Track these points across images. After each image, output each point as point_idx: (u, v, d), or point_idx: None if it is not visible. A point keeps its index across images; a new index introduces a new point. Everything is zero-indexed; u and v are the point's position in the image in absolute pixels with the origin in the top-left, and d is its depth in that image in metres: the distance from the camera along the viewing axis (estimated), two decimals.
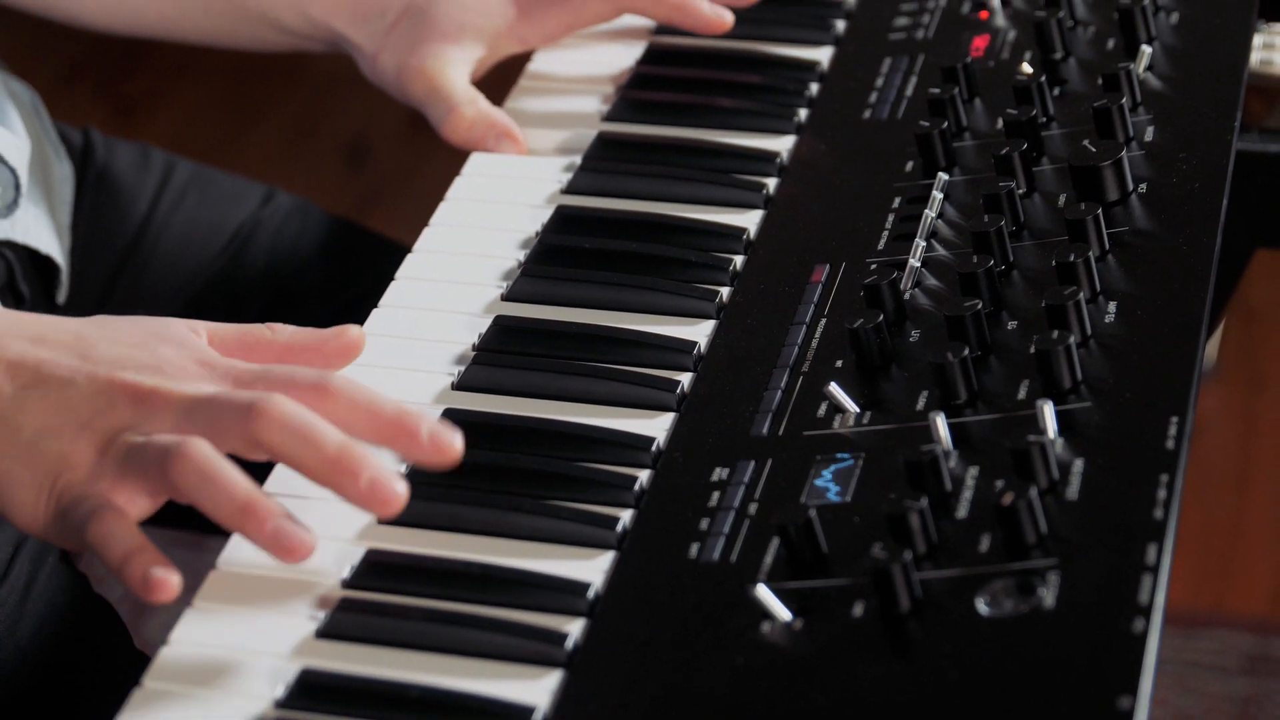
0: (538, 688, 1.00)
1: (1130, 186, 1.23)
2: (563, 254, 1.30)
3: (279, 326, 1.16)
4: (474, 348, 1.23)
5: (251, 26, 1.52)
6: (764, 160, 1.37)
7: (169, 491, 1.04)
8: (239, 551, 1.09)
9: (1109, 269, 1.17)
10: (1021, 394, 1.10)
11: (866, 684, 0.95)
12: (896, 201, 1.29)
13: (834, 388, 1.13)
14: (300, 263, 1.60)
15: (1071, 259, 1.14)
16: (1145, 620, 0.94)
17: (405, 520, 1.09)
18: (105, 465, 1.06)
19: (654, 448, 1.14)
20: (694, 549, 1.06)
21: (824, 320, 1.21)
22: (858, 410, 1.12)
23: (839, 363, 1.16)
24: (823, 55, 1.48)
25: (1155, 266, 1.17)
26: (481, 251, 1.32)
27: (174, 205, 1.60)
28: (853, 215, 1.29)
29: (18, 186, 1.41)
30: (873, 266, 1.23)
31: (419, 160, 3.04)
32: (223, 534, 1.10)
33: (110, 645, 1.27)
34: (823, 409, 1.13)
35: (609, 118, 1.44)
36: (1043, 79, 1.32)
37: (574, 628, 1.03)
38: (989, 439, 1.07)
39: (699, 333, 1.23)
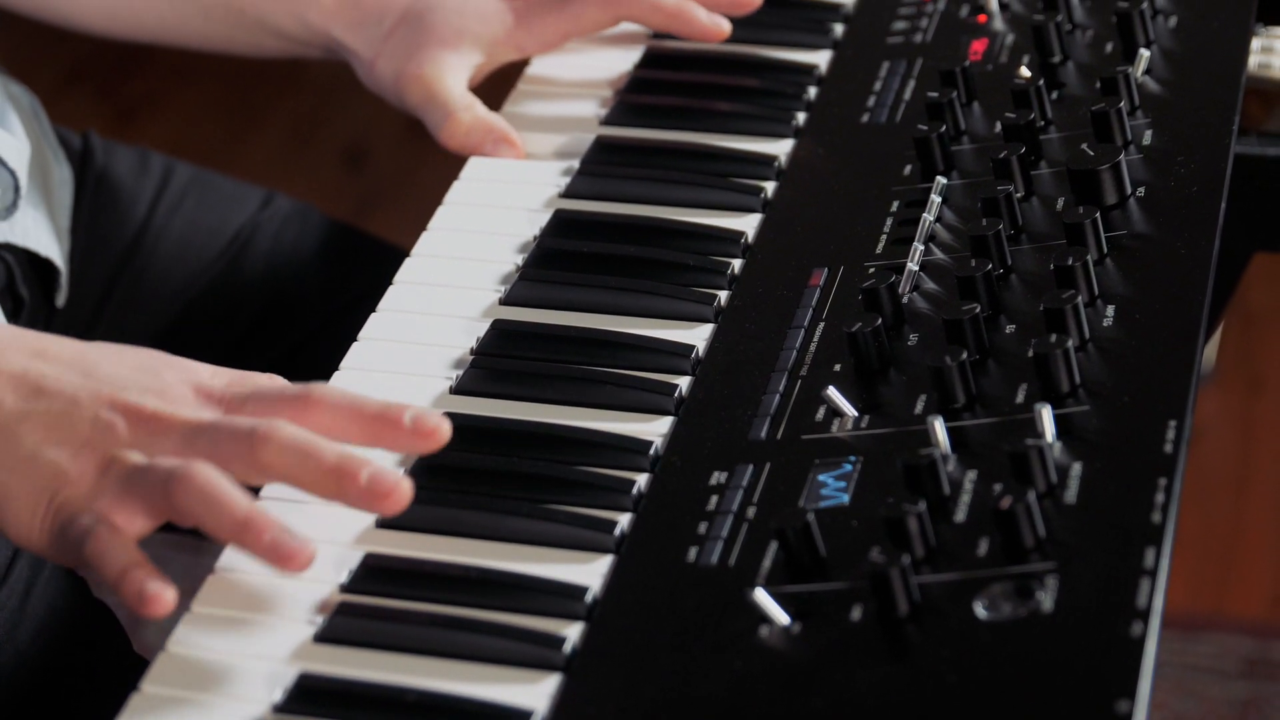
0: (536, 691, 1.00)
1: (1128, 190, 1.23)
2: (561, 258, 1.30)
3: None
4: (472, 352, 1.23)
5: (249, 32, 1.52)
6: (762, 164, 1.37)
7: (170, 513, 1.05)
8: (237, 556, 1.09)
9: (1107, 273, 1.17)
10: (1020, 398, 1.10)
11: (865, 688, 0.95)
12: (895, 205, 1.29)
13: (832, 391, 1.13)
14: (299, 266, 1.60)
15: (1070, 263, 1.14)
16: (1144, 624, 0.94)
17: (403, 524, 1.10)
18: (106, 484, 1.06)
19: (652, 451, 1.14)
20: (692, 553, 1.06)
21: (822, 324, 1.21)
22: (856, 414, 1.12)
23: (837, 366, 1.16)
24: (821, 59, 1.48)
25: (1154, 270, 1.17)
26: (480, 255, 1.32)
27: (173, 209, 1.60)
28: (851, 219, 1.29)
29: (17, 189, 1.41)
30: (871, 270, 1.23)
31: (418, 164, 3.04)
32: None
33: (109, 649, 1.27)
34: (821, 413, 1.13)
35: (607, 122, 1.44)
36: (1041, 83, 1.32)
37: (572, 632, 1.03)
38: (987, 443, 1.07)
39: (697, 336, 1.23)
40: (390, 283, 1.30)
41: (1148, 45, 1.36)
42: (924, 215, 1.25)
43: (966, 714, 0.93)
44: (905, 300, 1.19)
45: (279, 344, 1.56)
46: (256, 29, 1.52)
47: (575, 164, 1.39)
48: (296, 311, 1.57)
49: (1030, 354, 1.10)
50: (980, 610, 0.97)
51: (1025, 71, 1.37)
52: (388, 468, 1.04)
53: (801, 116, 1.42)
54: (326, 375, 1.21)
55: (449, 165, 1.41)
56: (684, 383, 1.19)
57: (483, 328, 1.24)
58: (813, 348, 1.19)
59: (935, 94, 1.34)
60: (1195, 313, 1.13)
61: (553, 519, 1.09)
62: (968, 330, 1.13)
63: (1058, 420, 1.07)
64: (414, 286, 1.29)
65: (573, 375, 1.19)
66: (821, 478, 1.08)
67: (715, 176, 1.36)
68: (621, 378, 1.19)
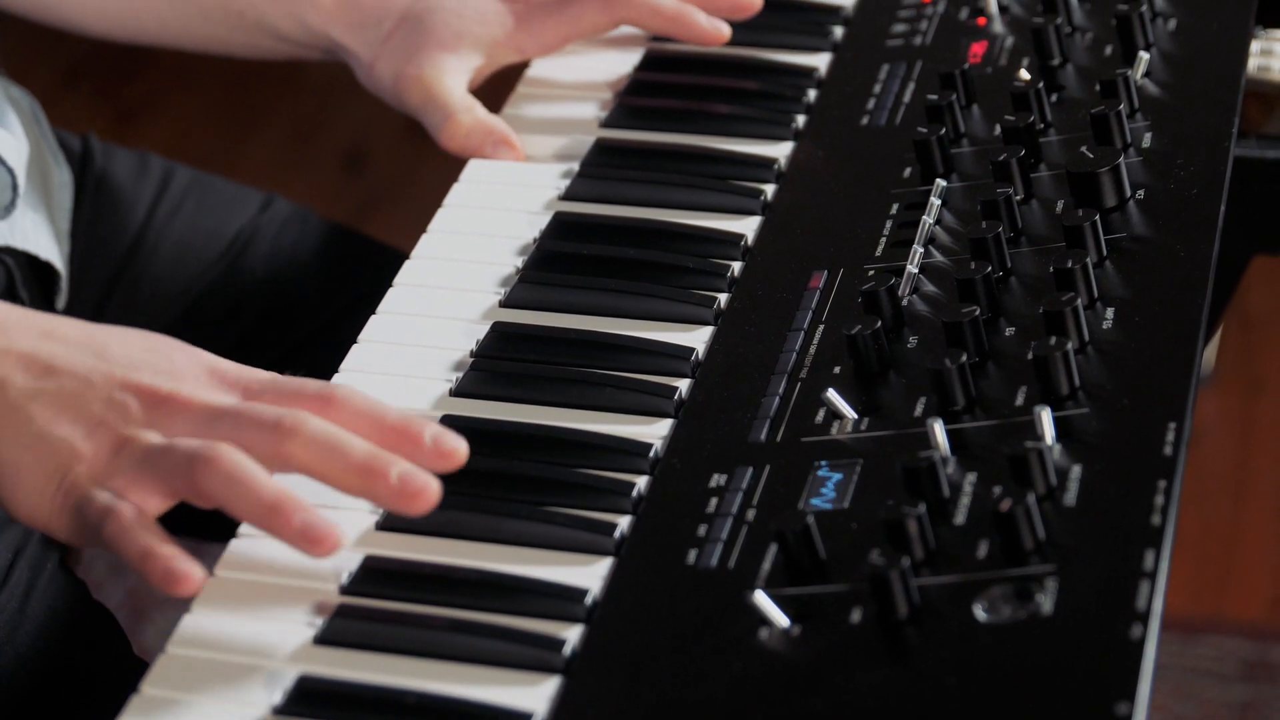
0: (536, 694, 1.00)
1: (1128, 193, 1.23)
2: (561, 260, 1.30)
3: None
4: (472, 354, 1.23)
5: (248, 34, 1.52)
6: (762, 166, 1.37)
7: (190, 494, 1.04)
8: (237, 558, 1.09)
9: (1107, 275, 1.17)
10: (1019, 400, 1.10)
11: (864, 690, 0.95)
12: (894, 208, 1.29)
13: (832, 394, 1.13)
14: (298, 269, 1.60)
15: (1069, 265, 1.14)
16: (1143, 626, 0.94)
17: (403, 526, 1.10)
18: (120, 464, 1.06)
19: (652, 454, 1.14)
20: (692, 555, 1.06)
21: (822, 326, 1.21)
22: (856, 416, 1.12)
23: (837, 369, 1.16)
24: (821, 61, 1.48)
25: (1153, 272, 1.17)
26: (479, 258, 1.32)
27: (172, 212, 1.60)
28: (851, 221, 1.29)
29: (15, 187, 1.41)
30: (871, 273, 1.23)
31: (417, 166, 3.04)
32: (221, 540, 1.10)
33: (109, 651, 1.27)
34: (821, 415, 1.13)
35: (607, 124, 1.44)
36: (1040, 85, 1.32)
37: (572, 634, 1.03)
38: (987, 445, 1.07)
39: (697, 339, 1.23)
40: (390, 285, 1.30)
41: (1147, 48, 1.36)
42: (924, 218, 1.25)
43: (966, 716, 0.93)
44: (905, 303, 1.19)
45: (278, 346, 1.56)
46: (256, 31, 1.52)
47: (575, 166, 1.39)
48: (296, 314, 1.57)
49: (1030, 356, 1.10)
50: (980, 612, 0.97)
51: (1025, 74, 1.37)
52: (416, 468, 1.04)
53: (801, 119, 1.42)
54: (326, 377, 1.20)
55: (448, 167, 1.41)
56: (684, 385, 1.19)
57: (482, 330, 1.24)
58: (812, 350, 1.19)
59: (935, 97, 1.34)
60: (1195, 315, 1.13)
61: (552, 521, 1.09)
62: (967, 333, 1.13)
63: (1057, 423, 1.07)
64: (414, 289, 1.29)
65: (572, 377, 1.20)
66: (821, 480, 1.08)
67: (715, 179, 1.36)
68: (621, 380, 1.19)
